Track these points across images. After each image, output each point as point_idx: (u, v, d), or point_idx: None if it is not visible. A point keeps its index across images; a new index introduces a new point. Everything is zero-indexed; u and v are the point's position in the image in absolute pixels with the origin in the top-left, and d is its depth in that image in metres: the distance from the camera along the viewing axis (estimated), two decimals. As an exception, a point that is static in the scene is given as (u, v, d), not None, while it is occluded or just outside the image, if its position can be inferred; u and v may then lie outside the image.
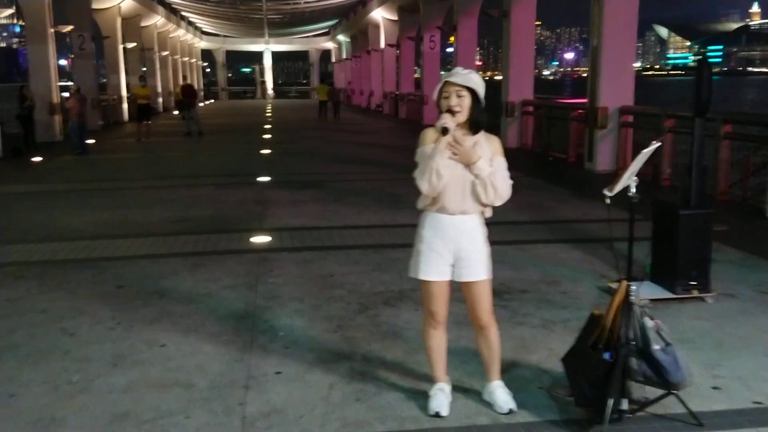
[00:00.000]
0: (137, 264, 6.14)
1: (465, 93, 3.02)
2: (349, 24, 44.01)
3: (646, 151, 3.18)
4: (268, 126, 24.44)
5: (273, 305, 4.94)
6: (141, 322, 4.62)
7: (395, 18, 29.96)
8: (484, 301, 3.20)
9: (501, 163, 3.09)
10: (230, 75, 70.25)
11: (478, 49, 21.28)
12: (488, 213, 3.18)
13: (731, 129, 8.92)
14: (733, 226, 7.01)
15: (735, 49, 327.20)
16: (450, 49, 26.37)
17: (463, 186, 3.05)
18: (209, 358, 4.02)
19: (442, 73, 3.53)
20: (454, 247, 3.12)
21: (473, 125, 3.07)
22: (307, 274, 5.74)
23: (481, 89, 3.04)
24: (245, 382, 3.68)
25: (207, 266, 5.99)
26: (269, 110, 36.61)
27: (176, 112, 22.71)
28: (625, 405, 3.13)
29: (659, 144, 3.25)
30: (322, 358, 3.98)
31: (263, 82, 60.32)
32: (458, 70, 3.06)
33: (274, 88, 59.98)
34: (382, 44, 32.75)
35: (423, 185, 3.02)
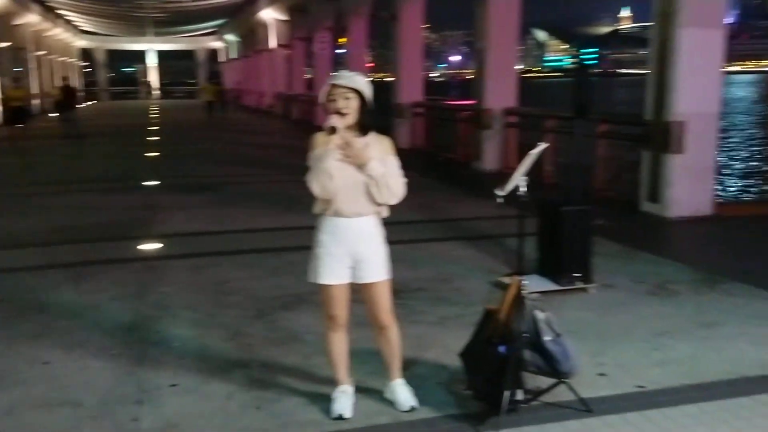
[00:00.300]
0: (15, 277, 5.77)
1: (352, 95, 3.03)
2: (237, 23, 43.16)
3: (534, 152, 3.32)
4: (154, 127, 23.57)
5: (164, 315, 4.77)
6: (21, 339, 4.34)
7: (285, 18, 29.67)
8: (384, 302, 3.23)
9: (393, 163, 3.12)
10: (112, 75, 66.96)
11: (368, 50, 21.42)
12: (384, 213, 3.21)
13: (607, 128, 9.46)
14: (611, 220, 7.43)
15: (607, 52, 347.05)
16: (341, 50, 26.46)
17: (357, 188, 3.07)
18: (97, 373, 3.83)
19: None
20: (352, 250, 3.14)
21: (362, 127, 3.09)
22: (200, 281, 5.58)
23: (367, 90, 3.06)
24: (138, 397, 3.53)
25: (92, 277, 5.71)
26: (155, 111, 35.30)
27: (55, 114, 21.43)
28: (519, 395, 3.25)
29: (546, 145, 3.40)
30: (218, 367, 3.88)
31: (147, 82, 58.07)
32: (344, 72, 3.07)
33: (159, 88, 57.91)
34: (273, 44, 32.36)
35: (315, 188, 3.02)
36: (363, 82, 3.04)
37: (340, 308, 3.22)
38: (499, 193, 3.21)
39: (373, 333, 3.38)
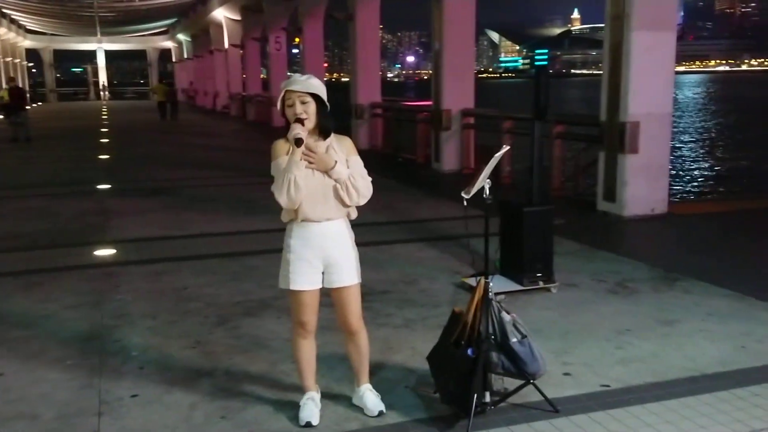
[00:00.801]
0: (-38, 287, 5.54)
1: (308, 99, 2.97)
2: (189, 23, 42.51)
3: (497, 155, 3.32)
4: (105, 130, 23.07)
5: (122, 324, 4.64)
6: (-29, 352, 4.17)
7: (238, 18, 29.34)
8: (354, 306, 3.20)
9: (357, 163, 3.09)
10: (59, 75, 65.14)
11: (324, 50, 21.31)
12: (353, 215, 3.18)
13: (563, 129, 9.59)
14: (569, 220, 7.54)
15: (559, 53, 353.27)
16: (296, 51, 26.28)
17: (324, 192, 3.03)
18: (54, 385, 3.70)
19: (282, 83, 3.51)
20: (323, 254, 3.09)
21: (322, 130, 3.04)
22: (158, 287, 5.45)
23: (323, 93, 3.01)
24: (97, 409, 3.42)
25: (44, 285, 5.53)
26: (105, 112, 34.55)
27: (1, 117, 20.74)
28: (487, 398, 3.26)
29: (508, 148, 3.41)
30: (181, 376, 3.79)
31: (96, 83, 56.77)
32: (296, 77, 3.01)
33: (109, 89, 56.66)
34: (226, 44, 31.97)
35: (281, 199, 2.96)
36: (318, 85, 2.99)
37: (311, 314, 3.17)
38: (465, 195, 3.20)
39: (343, 338, 3.34)
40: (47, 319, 4.72)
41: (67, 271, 5.97)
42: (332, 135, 3.09)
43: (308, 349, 3.25)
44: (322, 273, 3.13)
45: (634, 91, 7.62)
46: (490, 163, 3.27)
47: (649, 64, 7.63)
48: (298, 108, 2.96)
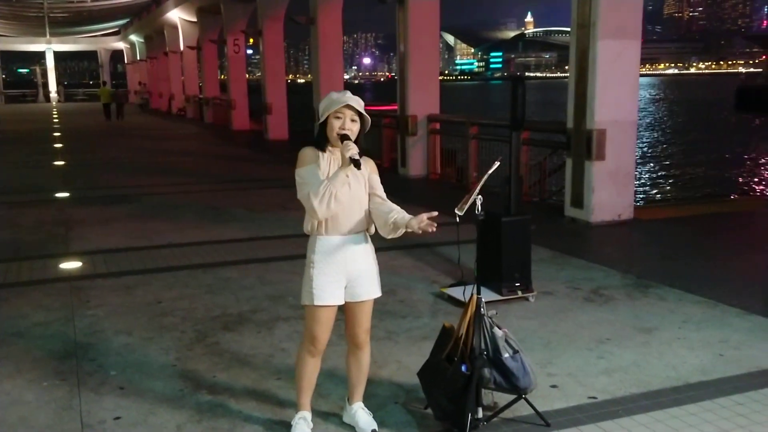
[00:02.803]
0: None
1: (357, 119, 3.01)
2: (141, 24, 41.68)
3: (490, 171, 3.33)
4: (57, 133, 22.45)
5: (97, 341, 4.51)
6: (-61, 374, 4.00)
7: (194, 20, 28.91)
8: (367, 321, 3.19)
9: (377, 181, 3.14)
10: (4, 77, 63.10)
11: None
12: (372, 230, 3.17)
13: (528, 135, 9.70)
14: (538, 226, 7.61)
15: (513, 56, 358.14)
16: (250, 51, 26.01)
17: (352, 206, 3.02)
18: (33, 408, 3.57)
19: (333, 93, 3.51)
20: (347, 268, 3.07)
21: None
22: (130, 302, 5.32)
23: (367, 117, 3.05)
24: (80, 433, 3.31)
25: (11, 301, 5.34)
26: (56, 115, 33.65)
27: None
28: (480, 414, 3.27)
29: (498, 164, 3.42)
30: (164, 396, 3.70)
31: (45, 84, 55.23)
32: (348, 94, 3.02)
33: (59, 91, 55.17)
34: (182, 46, 31.47)
35: (320, 209, 2.91)
36: (363, 107, 3.03)
37: (325, 332, 3.13)
38: (458, 212, 3.20)
39: (346, 353, 3.30)
40: (18, 337, 4.56)
41: (32, 285, 5.78)
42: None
43: (313, 368, 3.20)
44: (345, 288, 3.10)
45: (601, 99, 7.75)
46: (482, 179, 3.27)
47: (615, 73, 7.78)
48: (348, 124, 2.98)
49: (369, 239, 3.17)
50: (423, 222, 2.85)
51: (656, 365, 3.99)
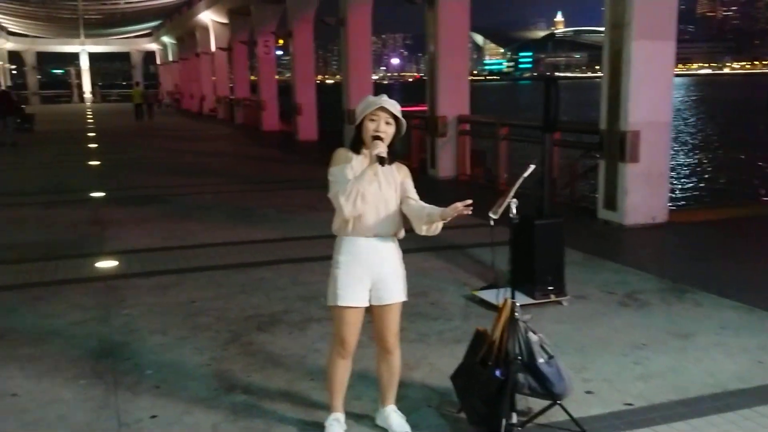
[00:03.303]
0: (-36, 301, 5.44)
1: (392, 122, 3.01)
2: (173, 25, 42.22)
3: (525, 174, 3.30)
4: (90, 134, 22.83)
5: (132, 340, 4.58)
6: (-19, 370, 4.09)
7: (225, 21, 29.19)
8: (394, 325, 3.19)
9: (411, 185, 3.15)
10: (40, 77, 64.31)
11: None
12: (401, 234, 3.17)
13: (560, 136, 9.61)
14: (570, 228, 7.52)
15: (543, 55, 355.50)
16: (279, 53, 26.18)
17: (378, 208, 3.03)
18: (71, 406, 3.63)
19: (369, 96, 3.57)
20: (372, 270, 3.08)
21: (391, 154, 3.06)
22: (165, 301, 5.38)
23: (403, 120, 3.05)
24: (118, 431, 3.36)
25: (48, 299, 5.44)
26: (90, 115, 34.24)
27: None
28: (514, 419, 3.24)
29: (534, 167, 3.39)
30: (199, 395, 3.74)
31: (80, 85, 56.23)
32: (384, 97, 3.04)
33: (93, 91, 56.14)
34: (213, 47, 31.79)
35: (347, 207, 2.93)
36: (400, 112, 3.03)
37: (353, 333, 3.14)
38: (492, 216, 3.18)
39: (376, 356, 3.31)
40: (56, 336, 4.64)
41: (68, 284, 5.88)
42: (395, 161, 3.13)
43: (344, 370, 3.21)
44: (370, 290, 3.11)
45: (635, 100, 7.65)
46: (517, 183, 3.25)
47: (649, 73, 7.67)
48: (382, 126, 2.99)
49: (396, 243, 3.17)
50: (457, 209, 2.84)
51: (694, 372, 3.93)
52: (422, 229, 3.05)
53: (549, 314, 4.95)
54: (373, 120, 3.00)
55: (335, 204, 2.98)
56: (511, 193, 3.24)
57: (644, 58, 7.64)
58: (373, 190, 2.99)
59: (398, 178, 3.10)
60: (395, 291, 3.14)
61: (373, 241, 3.07)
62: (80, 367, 4.14)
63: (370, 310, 3.18)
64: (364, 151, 3.06)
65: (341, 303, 3.07)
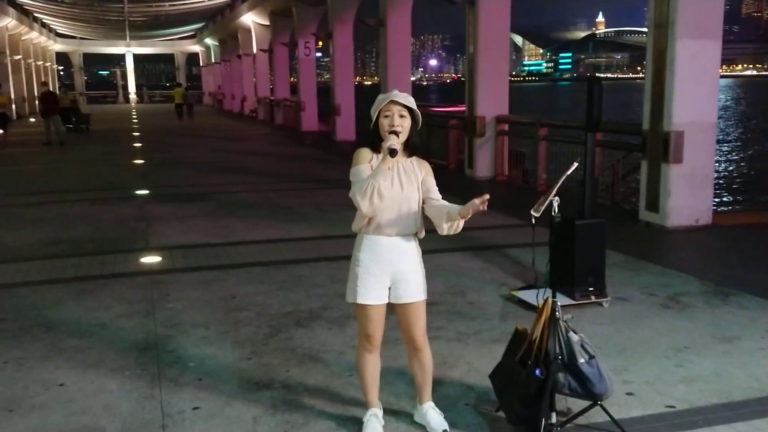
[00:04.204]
0: (14, 293, 5.62)
1: (406, 114, 3.02)
2: (216, 27, 42.88)
3: (568, 172, 3.29)
4: (136, 133, 23.33)
5: (176, 333, 4.68)
6: (31, 359, 4.22)
7: (266, 23, 29.54)
8: (420, 323, 3.19)
9: (432, 182, 3.15)
10: (86, 78, 65.84)
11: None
12: (422, 234, 3.18)
13: (601, 137, 9.49)
14: (611, 229, 7.43)
15: (583, 56, 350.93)
16: (319, 54, 26.37)
17: (399, 207, 3.04)
18: (116, 396, 3.73)
19: (380, 95, 3.61)
20: (391, 269, 3.09)
21: (409, 148, 3.07)
22: (207, 296, 5.48)
23: (418, 112, 3.05)
24: (161, 422, 3.44)
25: (94, 293, 5.59)
26: (135, 116, 34.96)
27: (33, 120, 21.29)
28: (554, 419, 3.23)
29: (577, 165, 3.37)
30: (240, 388, 3.80)
31: (125, 86, 57.49)
32: (396, 91, 3.05)
33: (138, 92, 57.33)
34: (254, 49, 32.19)
35: (364, 204, 2.95)
36: (414, 103, 3.03)
37: (377, 329, 3.17)
38: (534, 213, 3.17)
39: (407, 355, 3.33)
40: (102, 328, 4.77)
41: (115, 278, 6.03)
42: (415, 156, 3.14)
43: (373, 365, 3.24)
44: (390, 288, 3.13)
45: (679, 100, 7.53)
46: (560, 179, 3.24)
47: (693, 73, 7.54)
48: (396, 120, 2.99)
49: (416, 242, 3.18)
50: (475, 205, 2.82)
51: (738, 376, 3.85)
52: (443, 229, 3.03)
53: (589, 315, 4.90)
54: (386, 116, 3.01)
55: (354, 202, 2.99)
56: (554, 191, 3.23)
57: (689, 58, 7.51)
58: (394, 190, 3.00)
59: (420, 176, 3.10)
60: (414, 290, 3.14)
61: (394, 239, 3.08)
62: (125, 358, 4.24)
63: (393, 309, 3.19)
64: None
65: (360, 300, 3.10)
